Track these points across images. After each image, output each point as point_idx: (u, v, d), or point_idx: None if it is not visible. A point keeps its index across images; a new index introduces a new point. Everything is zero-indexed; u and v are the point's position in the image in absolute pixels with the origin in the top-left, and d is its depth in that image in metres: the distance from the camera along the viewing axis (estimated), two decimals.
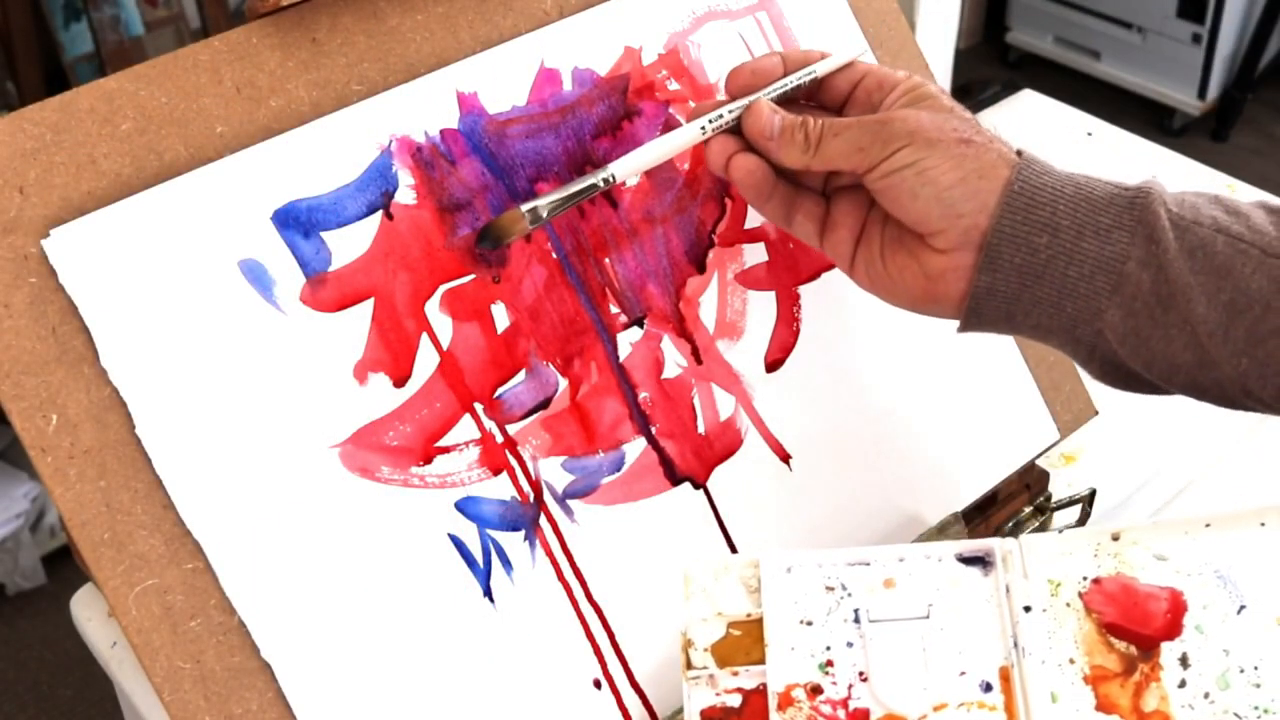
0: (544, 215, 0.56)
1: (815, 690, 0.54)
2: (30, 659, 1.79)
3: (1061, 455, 0.84)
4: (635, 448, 0.62)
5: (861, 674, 0.54)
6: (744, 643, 0.55)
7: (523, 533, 0.59)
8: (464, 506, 0.58)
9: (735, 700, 0.54)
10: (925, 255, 0.55)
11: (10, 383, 0.51)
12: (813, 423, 0.67)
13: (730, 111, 0.58)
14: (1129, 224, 0.52)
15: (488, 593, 0.58)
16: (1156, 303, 0.52)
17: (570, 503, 0.60)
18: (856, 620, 0.55)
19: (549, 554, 0.60)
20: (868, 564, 0.56)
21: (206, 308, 0.54)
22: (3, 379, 0.51)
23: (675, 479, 0.63)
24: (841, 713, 0.53)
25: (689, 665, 0.55)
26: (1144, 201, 0.52)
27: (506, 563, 0.59)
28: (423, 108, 0.60)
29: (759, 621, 0.55)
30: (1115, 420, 0.78)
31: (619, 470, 0.62)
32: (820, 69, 0.59)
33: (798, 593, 0.56)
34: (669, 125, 0.65)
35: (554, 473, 0.60)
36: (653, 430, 0.63)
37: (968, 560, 0.56)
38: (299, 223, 0.56)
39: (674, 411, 0.63)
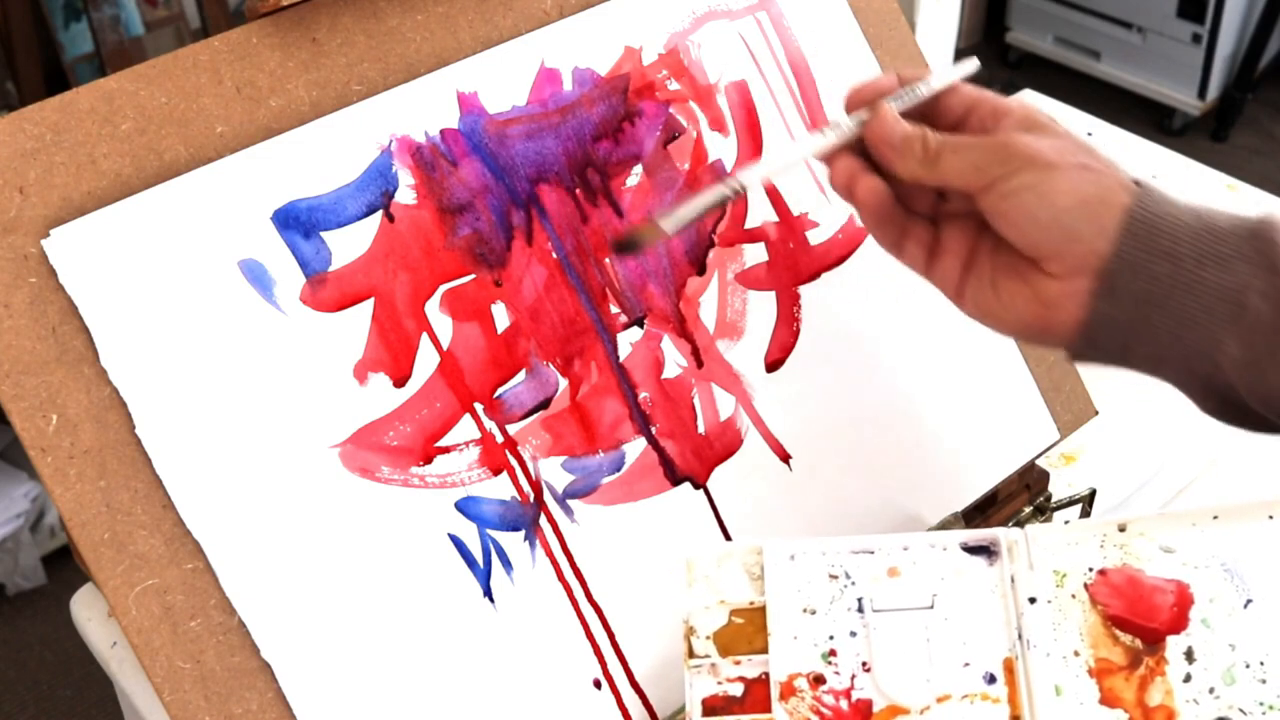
0: (677, 226, 0.56)
1: (818, 680, 0.54)
2: (30, 659, 1.79)
3: (1061, 455, 0.84)
4: (635, 448, 0.62)
5: (865, 664, 0.54)
6: (746, 631, 0.55)
7: (523, 533, 0.59)
8: (464, 506, 0.58)
9: (737, 689, 0.54)
10: (1039, 281, 0.54)
11: (10, 383, 0.51)
12: (813, 423, 0.67)
13: (855, 121, 0.57)
14: (1250, 254, 0.51)
15: (488, 593, 0.58)
16: (1276, 335, 0.51)
17: (570, 503, 0.60)
18: (860, 609, 0.55)
19: (549, 554, 0.60)
20: (872, 552, 0.56)
21: (206, 308, 0.54)
22: (3, 379, 0.51)
23: (675, 479, 0.63)
24: (844, 703, 0.53)
25: (691, 653, 0.55)
26: (1265, 232, 0.52)
27: (506, 563, 0.59)
28: (423, 108, 0.60)
29: (762, 609, 0.55)
30: (1115, 420, 0.78)
31: (619, 470, 0.62)
32: (938, 82, 0.58)
33: (801, 581, 0.56)
34: (669, 125, 0.65)
35: (554, 473, 0.60)
36: (653, 430, 0.63)
37: (973, 550, 0.56)
38: (299, 223, 0.56)
39: (674, 411, 0.63)
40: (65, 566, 1.87)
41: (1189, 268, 0.52)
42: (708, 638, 0.55)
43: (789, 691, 0.54)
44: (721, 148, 0.66)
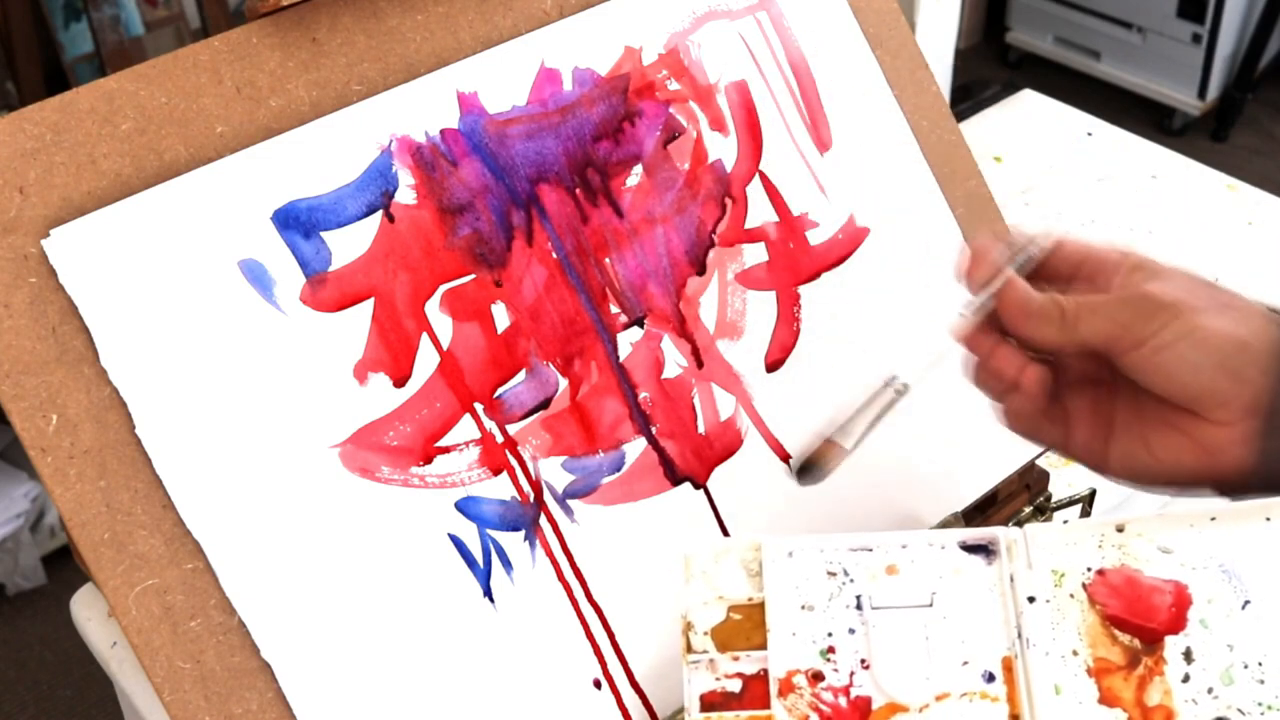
0: (855, 440, 0.56)
1: (817, 677, 0.54)
2: (30, 659, 1.79)
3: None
4: (635, 448, 0.62)
5: (863, 661, 0.54)
6: (744, 627, 0.55)
7: (523, 533, 0.59)
8: (464, 506, 0.58)
9: (735, 685, 0.54)
10: (1199, 429, 0.52)
11: (10, 383, 0.51)
12: (813, 423, 0.67)
13: (987, 294, 0.56)
14: None
15: (488, 593, 0.58)
16: None
17: (570, 503, 0.60)
18: (859, 607, 0.55)
19: (549, 554, 0.60)
20: (870, 550, 0.56)
21: (207, 308, 0.54)
22: (3, 379, 0.51)
23: (675, 479, 0.63)
24: (843, 700, 0.53)
25: (689, 649, 0.55)
26: None
27: (506, 563, 0.59)
28: (423, 108, 0.60)
29: (760, 606, 0.55)
30: None
31: (619, 470, 0.62)
32: (1047, 240, 0.57)
33: (799, 578, 0.56)
34: (669, 125, 0.65)
35: (554, 473, 0.60)
36: (653, 430, 0.63)
37: (971, 548, 0.56)
38: (299, 223, 0.56)
39: (674, 411, 0.63)
40: (65, 566, 1.87)
41: None
42: (705, 633, 0.55)
43: (787, 688, 0.54)
44: (721, 148, 0.66)
